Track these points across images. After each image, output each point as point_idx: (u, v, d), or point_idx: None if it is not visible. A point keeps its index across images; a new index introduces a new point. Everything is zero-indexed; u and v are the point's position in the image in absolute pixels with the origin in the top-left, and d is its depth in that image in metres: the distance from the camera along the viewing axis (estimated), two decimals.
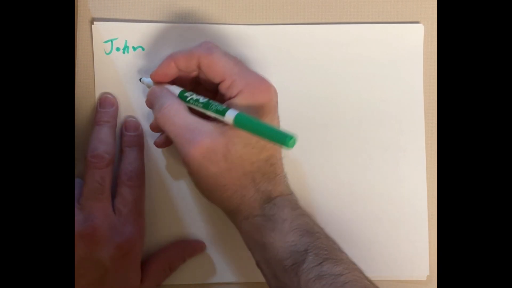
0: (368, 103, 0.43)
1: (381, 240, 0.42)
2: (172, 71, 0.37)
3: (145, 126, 0.41)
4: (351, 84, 0.43)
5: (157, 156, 0.42)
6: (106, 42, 0.41)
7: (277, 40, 0.42)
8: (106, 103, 0.41)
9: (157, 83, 0.38)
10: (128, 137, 0.41)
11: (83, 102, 0.41)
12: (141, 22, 0.42)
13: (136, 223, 0.38)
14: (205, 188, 0.36)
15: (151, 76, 0.38)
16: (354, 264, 0.34)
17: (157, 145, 0.40)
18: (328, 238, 0.35)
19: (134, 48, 0.41)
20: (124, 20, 0.42)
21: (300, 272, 0.33)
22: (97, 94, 0.41)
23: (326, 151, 0.43)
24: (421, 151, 0.43)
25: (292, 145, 0.31)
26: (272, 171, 0.36)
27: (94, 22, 0.41)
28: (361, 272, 0.34)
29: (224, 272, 0.42)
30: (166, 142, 0.40)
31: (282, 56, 0.42)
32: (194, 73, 0.37)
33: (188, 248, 0.42)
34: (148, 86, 0.39)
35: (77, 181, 0.39)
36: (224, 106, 0.34)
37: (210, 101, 0.35)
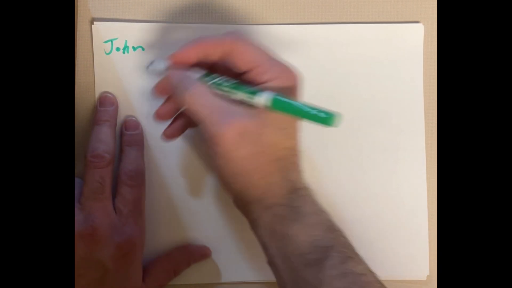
0: (368, 103, 0.43)
1: (381, 240, 0.42)
2: (195, 55, 0.36)
3: (145, 125, 0.41)
4: (351, 84, 0.43)
5: (157, 156, 0.42)
6: (106, 42, 0.41)
7: (277, 40, 0.42)
8: (106, 102, 0.41)
9: (175, 67, 0.36)
10: (128, 136, 0.41)
11: (83, 102, 0.41)
12: (141, 22, 0.42)
13: (136, 222, 0.38)
14: (231, 172, 0.34)
15: (172, 57, 0.36)
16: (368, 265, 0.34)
17: (167, 135, 0.39)
18: (346, 237, 0.35)
19: (134, 48, 0.41)
20: (124, 20, 0.42)
21: (323, 268, 0.32)
22: (97, 94, 0.41)
23: (326, 151, 0.43)
24: (421, 151, 0.43)
25: (336, 123, 0.30)
26: (296, 161, 0.35)
27: (94, 22, 0.41)
28: (376, 275, 0.34)
29: (226, 271, 0.42)
30: (176, 132, 0.39)
31: (282, 56, 0.42)
32: (211, 61, 0.36)
33: (194, 254, 0.42)
34: (158, 73, 0.37)
35: (77, 180, 0.39)
36: (256, 89, 0.34)
37: (240, 82, 0.35)
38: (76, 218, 0.36)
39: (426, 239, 0.43)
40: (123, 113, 0.41)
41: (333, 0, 0.43)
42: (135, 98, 0.41)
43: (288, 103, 0.33)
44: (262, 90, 0.34)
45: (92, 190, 0.37)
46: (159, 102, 0.41)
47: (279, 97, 0.33)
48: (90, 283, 0.36)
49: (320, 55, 0.42)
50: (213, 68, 0.37)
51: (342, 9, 0.43)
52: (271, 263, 0.35)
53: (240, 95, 0.34)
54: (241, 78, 0.35)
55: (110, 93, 0.41)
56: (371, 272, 0.33)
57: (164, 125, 0.39)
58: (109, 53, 0.41)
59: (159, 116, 0.39)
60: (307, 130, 0.42)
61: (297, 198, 0.34)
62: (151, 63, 0.38)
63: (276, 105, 0.33)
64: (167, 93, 0.38)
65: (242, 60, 0.35)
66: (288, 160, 0.35)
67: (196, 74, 0.36)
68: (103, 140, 0.39)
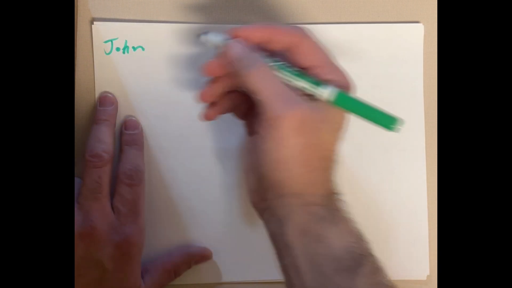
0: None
1: (381, 240, 0.42)
2: (259, 37, 0.35)
3: (145, 125, 0.41)
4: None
5: (157, 156, 0.42)
6: (106, 42, 0.41)
7: None
8: (105, 101, 0.41)
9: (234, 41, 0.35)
10: (127, 135, 0.41)
11: (83, 102, 0.41)
12: (141, 22, 0.42)
13: (135, 222, 0.38)
14: (279, 157, 0.33)
15: (233, 32, 0.35)
16: None
17: (208, 117, 0.38)
18: (371, 248, 0.34)
19: (134, 48, 0.41)
20: (124, 20, 0.42)
21: (357, 276, 0.32)
22: (97, 94, 0.41)
23: None
24: (421, 151, 0.43)
25: (396, 129, 0.30)
26: (335, 165, 0.35)
27: (94, 22, 0.41)
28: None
29: (226, 272, 0.42)
30: (217, 114, 0.38)
31: None
32: (272, 48, 0.35)
33: (195, 255, 0.41)
34: (211, 45, 0.35)
35: (76, 180, 0.39)
36: (319, 81, 0.34)
37: (303, 71, 0.35)
38: (75, 218, 0.36)
39: (426, 239, 0.43)
40: (123, 113, 0.41)
41: (333, 0, 0.43)
42: (135, 98, 0.41)
43: (352, 100, 0.33)
44: (327, 83, 0.34)
45: (90, 190, 0.37)
46: (158, 104, 0.41)
47: (344, 93, 0.33)
48: (90, 283, 0.36)
49: None
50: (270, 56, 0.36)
51: (342, 9, 0.43)
52: (291, 264, 0.33)
53: (303, 83, 0.34)
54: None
55: (110, 93, 0.41)
56: (395, 286, 0.33)
57: (166, 125, 0.39)
58: (109, 53, 0.41)
59: (204, 98, 0.37)
60: None
61: (337, 201, 0.34)
62: (205, 33, 0.36)
63: (340, 101, 0.33)
64: (218, 73, 0.36)
65: (308, 57, 0.35)
66: (333, 161, 0.35)
67: (257, 55, 0.34)
68: (102, 140, 0.39)
